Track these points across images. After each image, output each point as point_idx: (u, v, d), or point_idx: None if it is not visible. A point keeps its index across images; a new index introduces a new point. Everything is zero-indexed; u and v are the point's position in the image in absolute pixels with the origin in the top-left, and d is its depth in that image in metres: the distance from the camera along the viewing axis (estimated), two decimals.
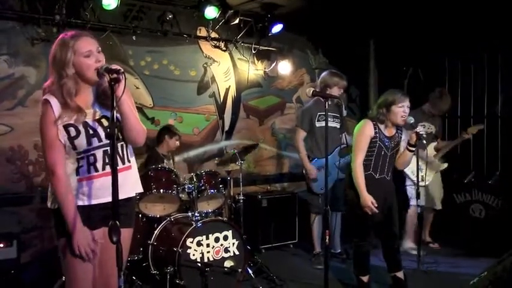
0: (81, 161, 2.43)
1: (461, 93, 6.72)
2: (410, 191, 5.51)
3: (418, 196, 4.69)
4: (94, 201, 2.45)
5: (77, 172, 2.44)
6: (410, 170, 5.37)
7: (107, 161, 2.44)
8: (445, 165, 5.63)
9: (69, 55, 2.33)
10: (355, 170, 4.01)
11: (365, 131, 4.03)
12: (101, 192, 2.44)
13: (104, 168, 2.45)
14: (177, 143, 5.17)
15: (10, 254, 4.23)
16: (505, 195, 5.85)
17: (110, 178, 2.33)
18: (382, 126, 4.06)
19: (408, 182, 5.56)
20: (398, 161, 4.22)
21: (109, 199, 2.38)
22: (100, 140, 2.43)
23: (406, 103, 3.98)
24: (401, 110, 3.96)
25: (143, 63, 5.64)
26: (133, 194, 2.62)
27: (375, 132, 4.02)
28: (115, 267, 2.15)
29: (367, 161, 4.06)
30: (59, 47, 2.37)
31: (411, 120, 4.01)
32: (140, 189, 2.70)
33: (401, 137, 4.17)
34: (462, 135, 5.51)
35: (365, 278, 4.21)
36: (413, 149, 4.08)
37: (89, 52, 2.36)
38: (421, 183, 5.31)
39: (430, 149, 5.55)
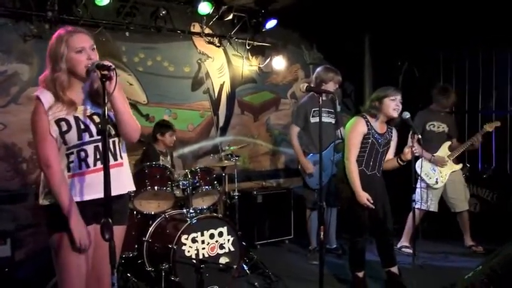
0: (72, 156, 2.42)
1: (455, 88, 6.72)
2: (423, 195, 5.39)
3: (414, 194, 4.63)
4: (85, 198, 2.43)
5: (68, 168, 2.42)
6: (424, 173, 5.34)
7: (98, 156, 2.44)
8: (459, 166, 5.46)
9: (62, 49, 2.37)
10: (349, 168, 4.01)
11: (357, 127, 4.03)
12: (92, 189, 2.42)
13: (95, 164, 2.44)
14: (172, 138, 5.12)
15: (4, 252, 4.21)
16: (500, 189, 5.87)
17: (101, 174, 2.32)
18: (374, 123, 4.07)
19: (420, 184, 5.41)
20: (384, 164, 4.24)
21: (100, 195, 2.37)
22: (91, 136, 2.42)
23: (399, 97, 4.02)
24: (394, 103, 4.00)
25: (137, 60, 5.61)
26: (125, 192, 2.60)
27: (368, 129, 4.03)
28: (108, 264, 2.14)
29: (360, 157, 4.06)
30: (55, 41, 2.41)
31: (407, 115, 4.00)
32: (132, 188, 2.70)
33: (391, 135, 4.19)
34: (477, 135, 5.29)
35: (360, 274, 4.22)
36: (403, 164, 4.10)
37: (81, 48, 2.39)
38: (436, 186, 5.35)
39: (444, 149, 5.41)
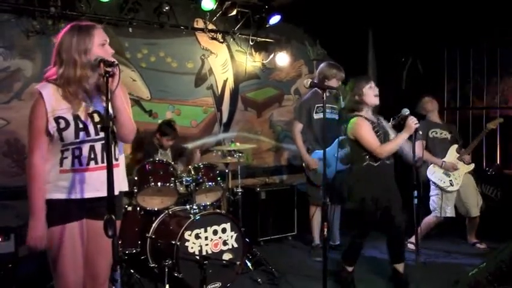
0: (66, 153, 2.40)
1: (460, 83, 6.70)
2: (438, 201, 5.20)
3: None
4: (75, 196, 2.41)
5: (61, 163, 2.40)
6: (437, 178, 5.22)
7: (92, 156, 2.42)
8: (472, 165, 5.35)
9: (87, 42, 2.34)
10: (385, 150, 3.92)
11: (364, 123, 3.98)
12: (82, 187, 2.41)
13: (88, 164, 2.41)
14: (168, 143, 5.06)
15: (8, 248, 4.21)
16: (504, 186, 5.84)
17: (93, 174, 2.33)
18: (368, 116, 4.06)
19: (435, 191, 5.27)
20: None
21: (90, 194, 2.38)
22: (88, 135, 2.40)
23: (373, 83, 4.08)
24: (373, 89, 4.03)
25: (140, 56, 5.60)
26: (117, 193, 2.53)
27: (371, 122, 4.01)
28: (104, 259, 2.13)
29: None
30: (75, 33, 2.36)
31: (407, 111, 3.94)
32: (126, 188, 2.69)
33: (382, 122, 4.17)
34: (481, 133, 5.30)
35: (350, 268, 4.22)
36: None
37: (104, 41, 2.41)
38: (451, 189, 5.18)
39: (451, 153, 5.29)
